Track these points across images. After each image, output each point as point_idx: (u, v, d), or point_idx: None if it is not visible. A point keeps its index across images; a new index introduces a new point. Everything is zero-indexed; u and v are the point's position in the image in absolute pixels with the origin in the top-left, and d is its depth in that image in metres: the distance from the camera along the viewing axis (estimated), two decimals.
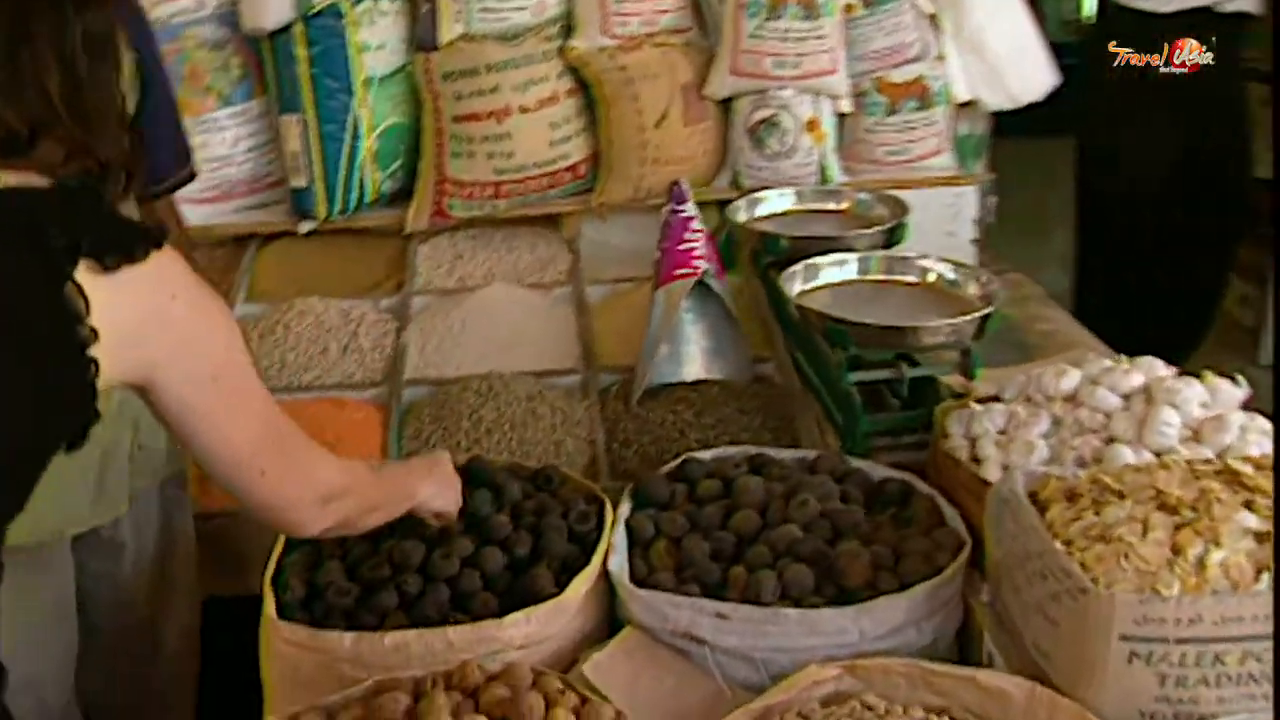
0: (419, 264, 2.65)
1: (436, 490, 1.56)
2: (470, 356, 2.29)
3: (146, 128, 1.69)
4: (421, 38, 2.60)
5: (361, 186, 2.64)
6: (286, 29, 2.51)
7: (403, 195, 2.71)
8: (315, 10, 2.50)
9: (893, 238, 2.31)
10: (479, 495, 1.69)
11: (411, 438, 2.07)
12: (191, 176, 1.92)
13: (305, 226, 2.65)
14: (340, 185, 2.61)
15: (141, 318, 1.08)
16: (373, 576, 1.56)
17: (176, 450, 1.86)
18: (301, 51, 2.51)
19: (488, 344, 2.32)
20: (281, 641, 1.50)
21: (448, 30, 2.58)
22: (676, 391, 2.14)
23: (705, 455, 1.84)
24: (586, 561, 1.60)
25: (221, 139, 2.60)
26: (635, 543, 1.68)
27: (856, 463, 1.84)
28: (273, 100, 2.60)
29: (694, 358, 2.20)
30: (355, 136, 2.59)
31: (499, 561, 1.60)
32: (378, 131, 2.62)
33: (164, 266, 1.11)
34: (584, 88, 2.70)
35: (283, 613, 1.53)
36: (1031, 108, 2.95)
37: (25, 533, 1.58)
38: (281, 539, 1.67)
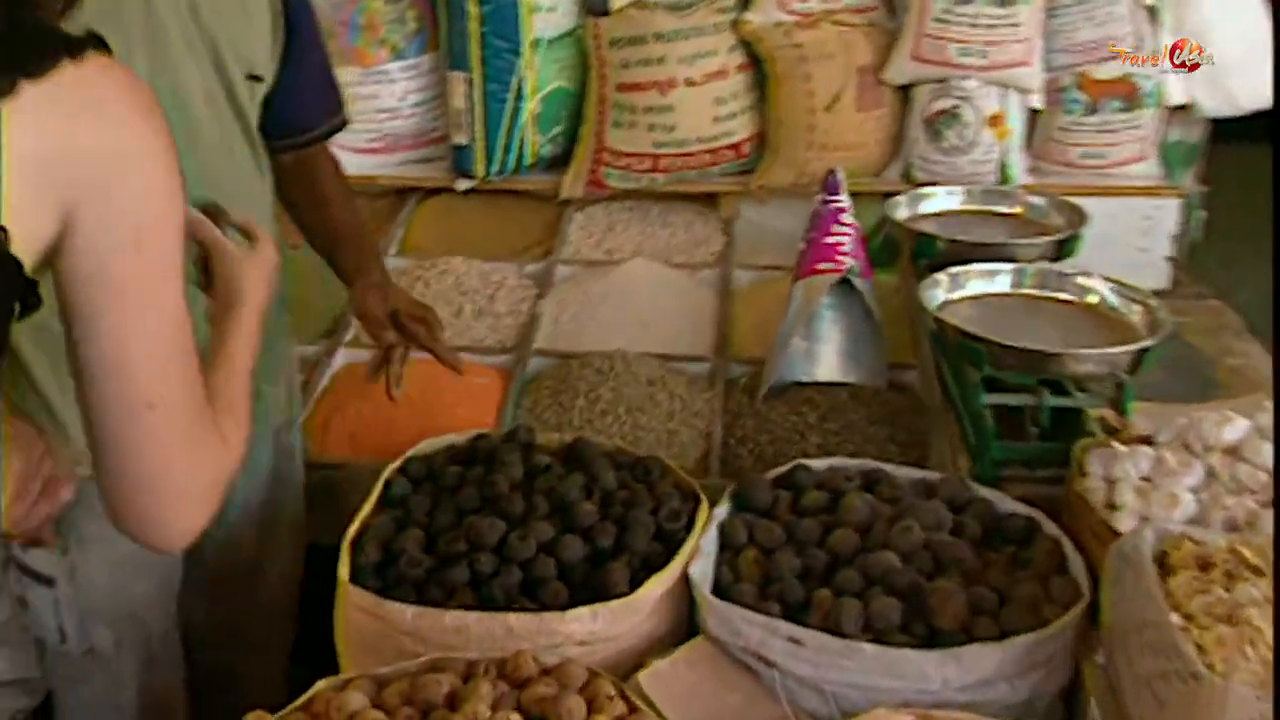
0: (571, 232, 2.62)
1: (262, 306, 1.21)
2: (602, 332, 2.24)
3: (290, 75, 1.69)
4: (592, 2, 2.55)
5: (521, 149, 2.62)
6: None
7: (562, 161, 2.68)
8: None
9: (1064, 250, 2.13)
10: (570, 480, 1.64)
11: (528, 409, 2.04)
12: (341, 126, 1.90)
13: (463, 184, 2.66)
14: (500, 146, 2.60)
15: (53, 144, 0.86)
16: (448, 551, 1.54)
17: (292, 397, 1.89)
18: (473, 9, 2.50)
19: (622, 321, 2.27)
20: (350, 605, 1.50)
21: None
22: (805, 392, 2.03)
23: (818, 464, 1.74)
24: (668, 562, 1.53)
25: (391, 91, 2.63)
26: (726, 548, 1.60)
27: (983, 492, 1.70)
28: (443, 56, 2.60)
29: (828, 357, 2.09)
30: (519, 98, 2.57)
31: (578, 551, 1.55)
32: (541, 94, 2.60)
33: (91, 84, 0.87)
34: (755, 64, 2.60)
35: (357, 576, 1.53)
36: (1264, 111, 2.67)
37: None
38: (372, 498, 1.68)
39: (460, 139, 2.61)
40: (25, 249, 0.86)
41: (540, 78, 2.58)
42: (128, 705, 1.74)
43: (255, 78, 1.63)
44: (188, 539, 0.99)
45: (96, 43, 0.89)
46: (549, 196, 2.67)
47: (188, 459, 0.95)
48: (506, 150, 2.61)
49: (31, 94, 0.84)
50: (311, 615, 2.01)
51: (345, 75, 2.58)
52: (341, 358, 2.21)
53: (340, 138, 2.61)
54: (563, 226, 2.63)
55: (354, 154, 2.64)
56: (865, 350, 2.09)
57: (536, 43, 2.56)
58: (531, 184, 2.69)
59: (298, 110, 1.74)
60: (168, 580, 1.77)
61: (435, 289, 2.33)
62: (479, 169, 2.62)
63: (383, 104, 2.62)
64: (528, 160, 2.65)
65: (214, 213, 1.21)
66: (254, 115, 1.65)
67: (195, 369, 0.96)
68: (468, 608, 1.46)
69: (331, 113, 1.84)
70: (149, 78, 1.47)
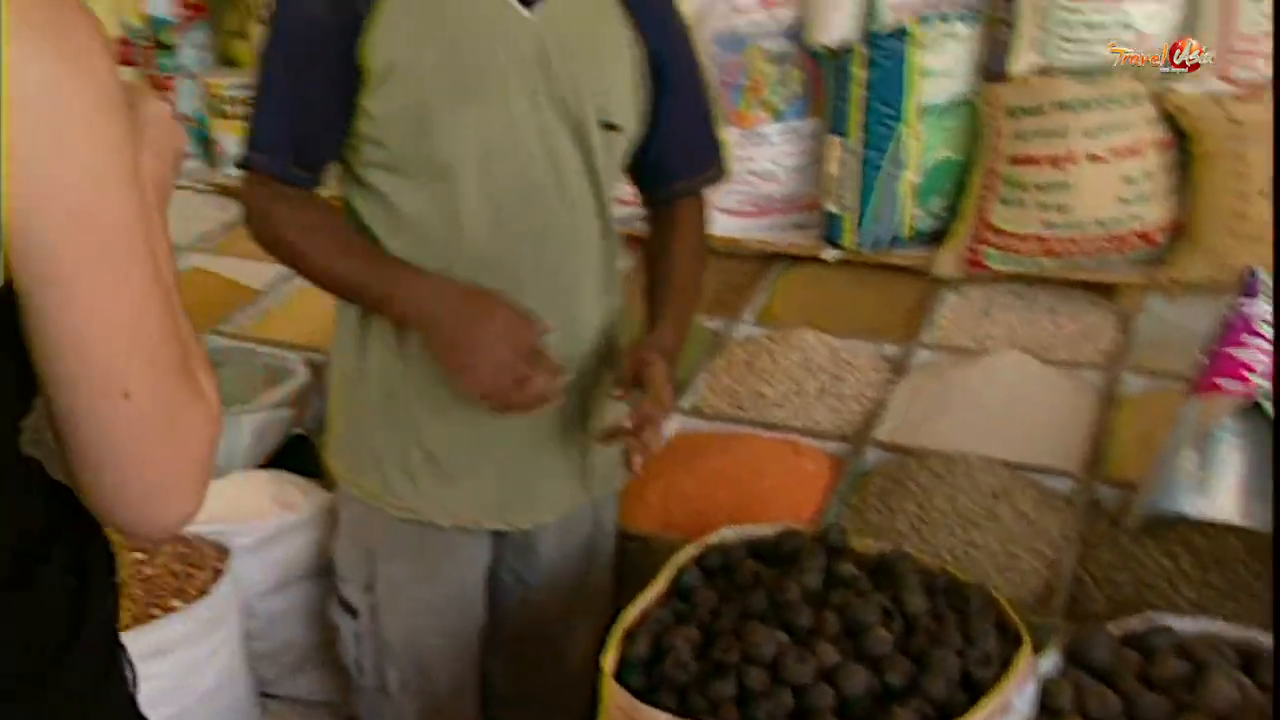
0: (941, 314, 2.40)
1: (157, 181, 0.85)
2: (954, 429, 2.01)
3: (660, 126, 1.63)
4: (991, 66, 2.34)
5: (896, 221, 2.45)
6: (849, 48, 2.39)
7: (939, 236, 2.47)
8: (881, 30, 2.35)
9: None
10: (871, 599, 1.45)
11: (853, 507, 1.86)
12: (712, 181, 1.80)
13: (831, 254, 2.52)
14: (873, 216, 2.44)
15: None
16: (720, 659, 1.40)
17: (618, 473, 1.82)
18: (858, 71, 2.37)
19: (979, 419, 2.03)
20: (610, 700, 1.40)
21: (1020, 60, 2.29)
22: (1186, 531, 1.70)
23: (1184, 625, 1.44)
24: (966, 714, 1.31)
25: (767, 154, 2.55)
26: (1044, 710, 1.35)
27: None
28: (823, 120, 2.49)
29: (1223, 493, 1.72)
30: (898, 166, 2.40)
31: (862, 684, 1.36)
32: (924, 165, 2.41)
33: None
34: (1178, 140, 2.26)
35: (623, 670, 1.43)
36: None
37: (444, 515, 1.65)
38: (659, 583, 1.58)
39: (832, 206, 2.48)
40: None
41: (924, 146, 2.40)
42: None
43: (611, 126, 1.59)
44: (182, 525, 0.81)
45: None
46: (921, 273, 2.47)
47: (175, 444, 0.77)
48: (880, 221, 2.44)
49: None
50: None
51: (722, 136, 2.55)
52: (677, 424, 2.14)
53: (713, 199, 2.61)
54: (932, 307, 2.41)
55: (724, 215, 2.59)
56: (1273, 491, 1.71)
57: (924, 109, 2.38)
58: (904, 259, 2.50)
59: (664, 161, 1.68)
60: (463, 639, 1.76)
61: (782, 364, 2.20)
62: (849, 239, 2.48)
63: (757, 166, 2.55)
64: (902, 233, 2.47)
65: None
66: (608, 164, 1.60)
67: (177, 335, 0.77)
68: None
69: (700, 168, 1.75)
70: (480, 121, 1.46)
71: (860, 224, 2.46)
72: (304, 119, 1.45)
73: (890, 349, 2.30)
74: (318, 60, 1.41)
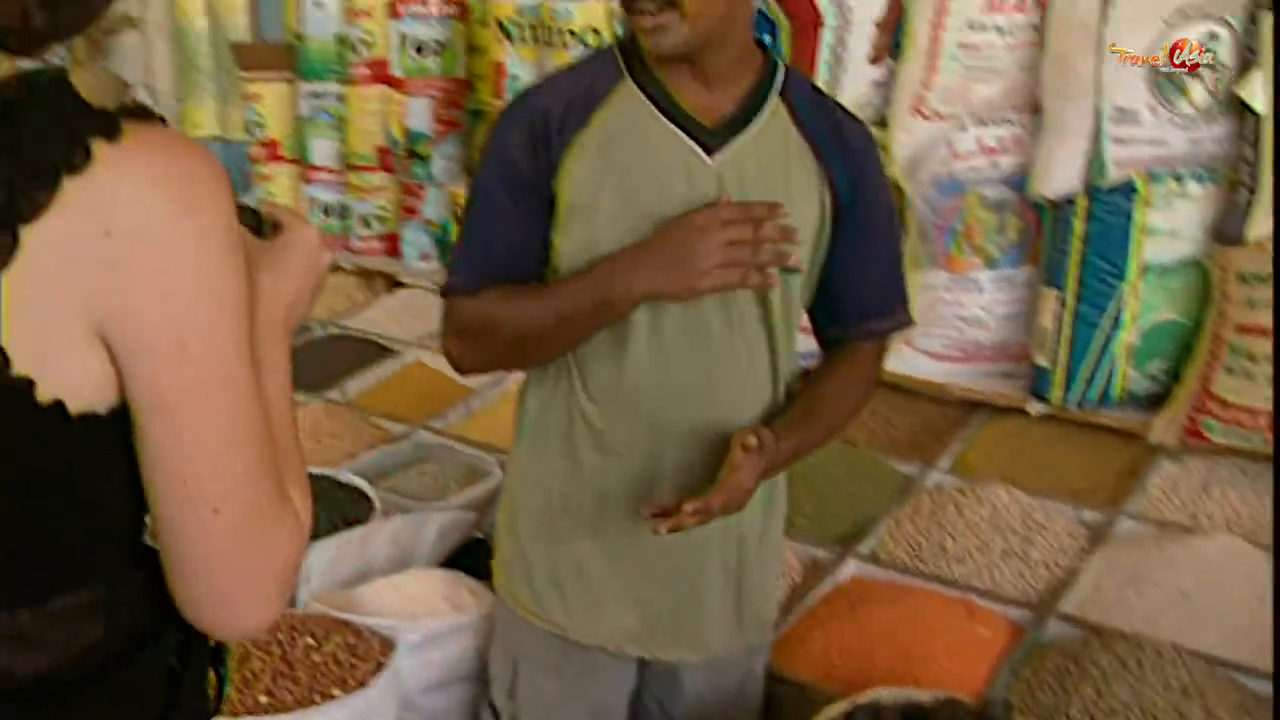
0: (1152, 483, 2.25)
1: (285, 303, 0.91)
2: (1150, 610, 1.87)
3: (838, 269, 1.62)
4: (1225, 228, 2.21)
5: (1109, 380, 2.33)
6: (1071, 200, 2.32)
7: (1156, 401, 2.33)
8: (1106, 185, 2.27)
9: None
10: None
11: (1025, 681, 1.75)
12: (884, 332, 1.75)
13: (1036, 408, 2.42)
14: (1084, 374, 2.33)
15: (72, 254, 0.72)
16: None
17: (772, 618, 1.78)
18: (1079, 225, 2.30)
19: (1180, 602, 1.88)
20: None
21: (1259, 224, 2.16)
22: None
23: None
24: None
25: (977, 300, 2.49)
26: None
27: None
28: (1039, 271, 2.42)
29: None
30: (1115, 325, 2.29)
31: None
32: (1143, 325, 2.30)
33: (123, 172, 0.73)
34: None
35: None
36: None
37: (589, 634, 1.66)
38: None
39: (1042, 360, 2.39)
40: (67, 388, 0.75)
41: (1145, 306, 2.29)
42: None
43: (788, 269, 1.58)
44: (261, 630, 0.86)
45: (126, 113, 0.75)
46: (1131, 436, 2.33)
47: (261, 558, 0.81)
48: (1090, 380, 2.33)
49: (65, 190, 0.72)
50: None
51: (932, 279, 2.52)
52: (852, 569, 2.09)
53: (918, 342, 2.57)
54: (1144, 475, 2.27)
55: (928, 358, 2.55)
56: None
57: (1147, 268, 2.28)
58: (1115, 420, 2.37)
59: (843, 304, 1.65)
60: None
61: (968, 518, 2.11)
62: (1056, 394, 2.37)
63: (966, 312, 2.49)
64: (1115, 393, 2.35)
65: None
66: (784, 306, 1.59)
67: (268, 459, 0.81)
68: None
69: (880, 313, 1.70)
70: None
71: (1070, 380, 2.35)
72: (505, 252, 1.52)
73: (1090, 515, 2.17)
74: (518, 198, 1.49)
